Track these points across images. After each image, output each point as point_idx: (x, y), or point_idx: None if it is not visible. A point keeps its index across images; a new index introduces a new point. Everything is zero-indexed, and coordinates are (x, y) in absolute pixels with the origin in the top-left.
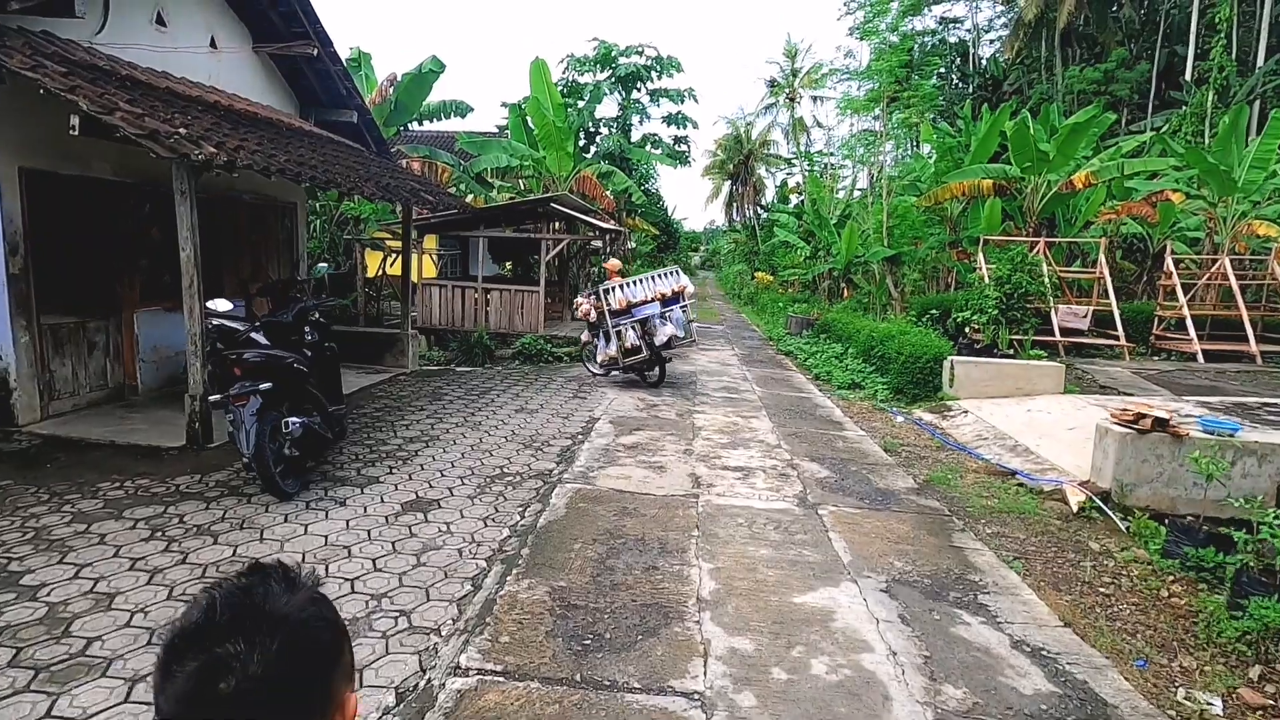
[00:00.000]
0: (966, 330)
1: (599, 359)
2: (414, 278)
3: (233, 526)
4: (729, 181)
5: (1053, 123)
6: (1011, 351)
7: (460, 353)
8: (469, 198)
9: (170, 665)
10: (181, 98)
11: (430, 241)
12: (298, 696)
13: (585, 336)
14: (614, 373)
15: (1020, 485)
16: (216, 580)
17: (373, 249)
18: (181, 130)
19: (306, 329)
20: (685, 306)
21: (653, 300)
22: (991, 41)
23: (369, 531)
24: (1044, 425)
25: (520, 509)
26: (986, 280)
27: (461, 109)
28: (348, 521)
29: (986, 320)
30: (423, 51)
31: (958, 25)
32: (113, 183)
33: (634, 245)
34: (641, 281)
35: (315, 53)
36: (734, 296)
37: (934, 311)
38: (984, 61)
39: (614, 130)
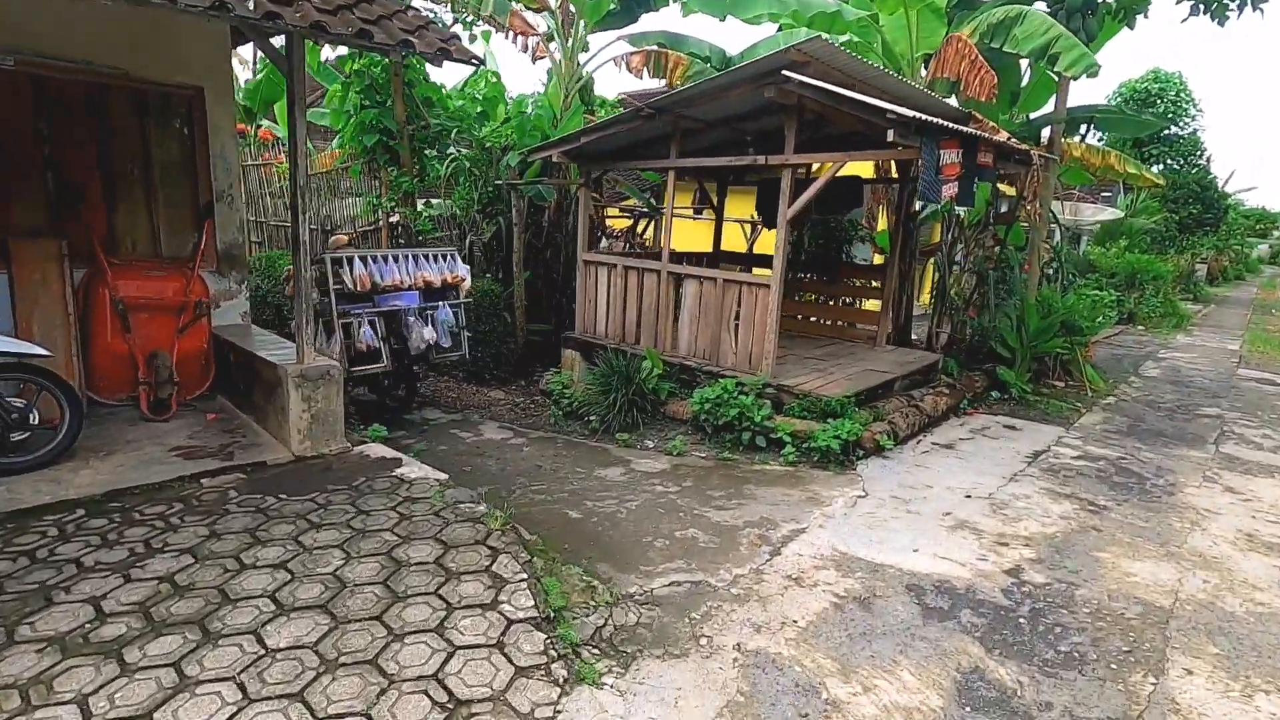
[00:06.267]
0: None
1: None
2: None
3: None
4: None
5: None
6: None
7: (601, 397)
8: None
9: None
10: None
11: (738, 207)
12: None
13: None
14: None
15: None
16: None
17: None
18: None
19: None
20: (459, 307)
21: (411, 288)
22: None
23: None
24: None
25: None
26: None
27: None
28: None
29: None
30: None
31: None
32: None
33: (1119, 208)
34: (399, 260)
35: None
36: None
37: None
38: None
39: None
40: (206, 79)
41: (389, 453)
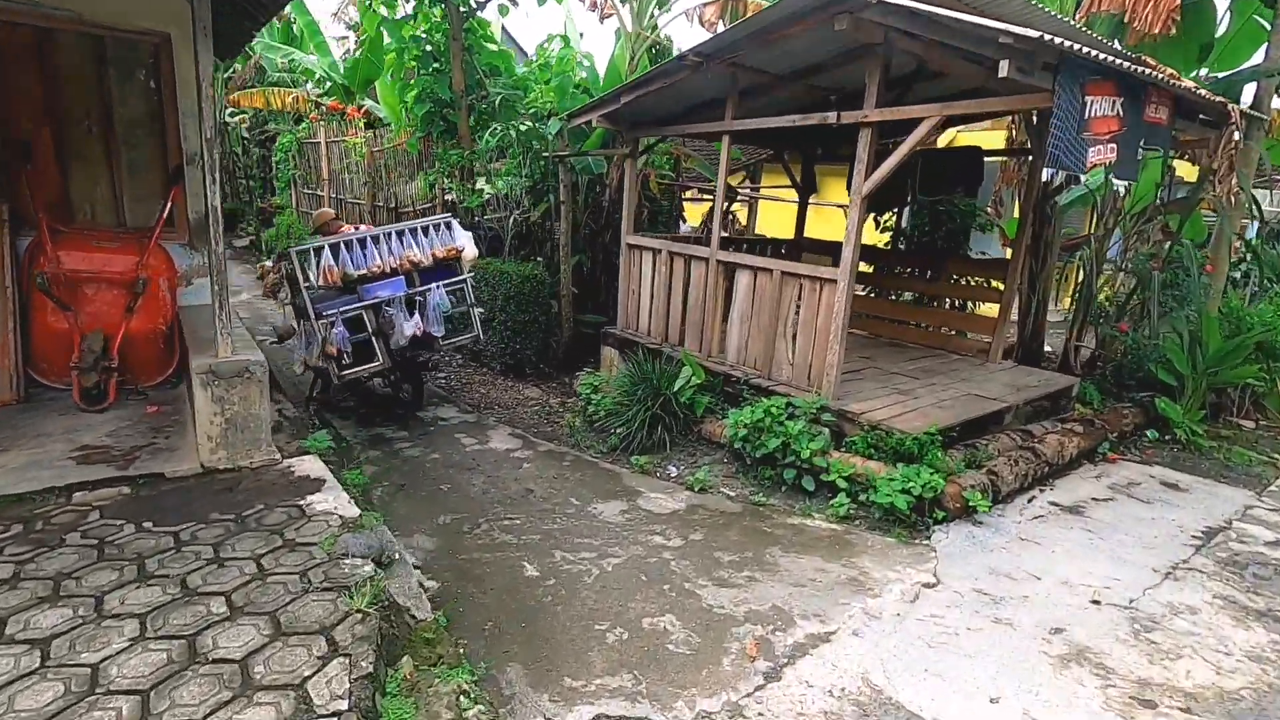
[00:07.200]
0: None
1: (297, 365)
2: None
3: None
4: None
5: None
6: None
7: (625, 408)
8: None
9: None
10: None
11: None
12: None
13: (281, 324)
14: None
15: None
16: None
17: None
18: None
19: None
20: (462, 284)
21: (395, 274)
22: None
23: None
24: None
25: None
26: None
27: None
28: None
29: None
30: None
31: None
32: None
33: None
34: (380, 241)
35: None
36: None
37: None
38: None
39: None
40: (174, 25)
41: (317, 471)
